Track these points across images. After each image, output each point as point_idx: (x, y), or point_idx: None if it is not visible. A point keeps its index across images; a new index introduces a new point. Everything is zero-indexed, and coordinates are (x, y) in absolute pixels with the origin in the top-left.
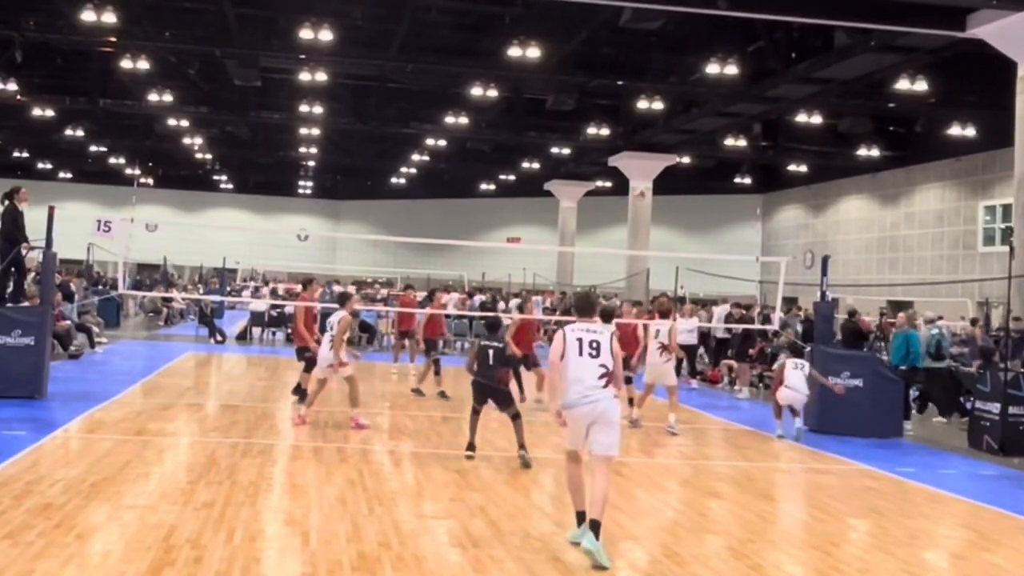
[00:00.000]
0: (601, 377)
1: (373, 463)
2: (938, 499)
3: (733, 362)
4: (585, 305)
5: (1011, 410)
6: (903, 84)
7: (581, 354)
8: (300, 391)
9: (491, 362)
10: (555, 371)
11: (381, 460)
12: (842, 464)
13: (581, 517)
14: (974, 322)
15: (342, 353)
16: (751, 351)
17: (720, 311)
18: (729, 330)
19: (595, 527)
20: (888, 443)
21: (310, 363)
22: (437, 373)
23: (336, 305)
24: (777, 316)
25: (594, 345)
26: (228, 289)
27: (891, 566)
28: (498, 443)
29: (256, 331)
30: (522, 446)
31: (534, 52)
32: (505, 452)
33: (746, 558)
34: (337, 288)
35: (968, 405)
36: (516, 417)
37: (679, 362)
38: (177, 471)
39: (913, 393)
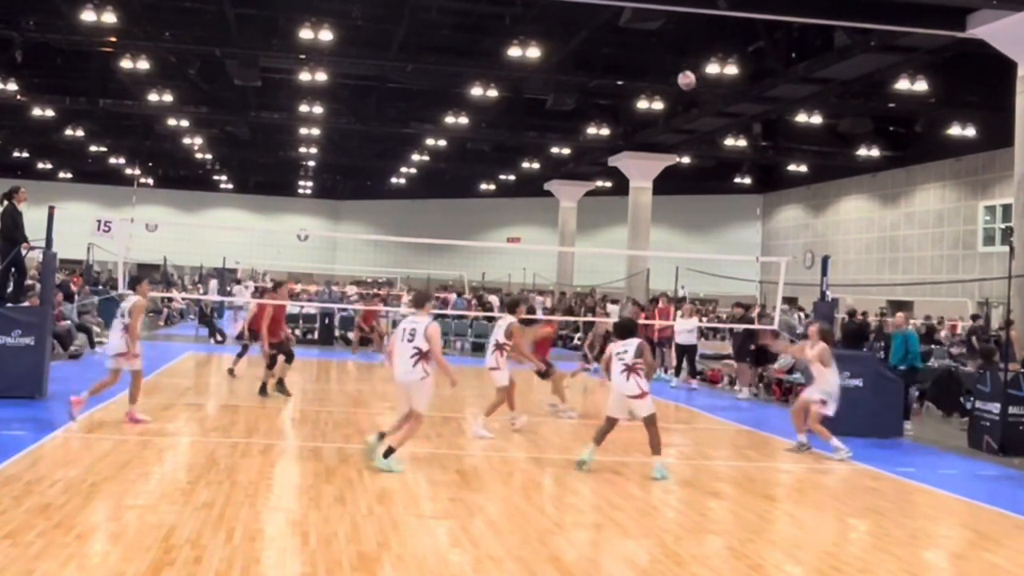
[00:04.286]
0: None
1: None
2: (938, 499)
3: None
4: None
5: (1011, 410)
6: (903, 84)
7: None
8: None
9: None
10: None
11: None
12: (842, 464)
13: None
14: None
15: None
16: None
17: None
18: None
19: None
20: (888, 443)
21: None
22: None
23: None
24: (777, 316)
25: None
26: (228, 289)
27: (891, 566)
28: (497, 443)
29: None
30: None
31: (534, 52)
32: (504, 452)
33: (746, 558)
34: (336, 289)
35: (968, 405)
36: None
37: (680, 362)
38: (177, 471)
39: (913, 393)
